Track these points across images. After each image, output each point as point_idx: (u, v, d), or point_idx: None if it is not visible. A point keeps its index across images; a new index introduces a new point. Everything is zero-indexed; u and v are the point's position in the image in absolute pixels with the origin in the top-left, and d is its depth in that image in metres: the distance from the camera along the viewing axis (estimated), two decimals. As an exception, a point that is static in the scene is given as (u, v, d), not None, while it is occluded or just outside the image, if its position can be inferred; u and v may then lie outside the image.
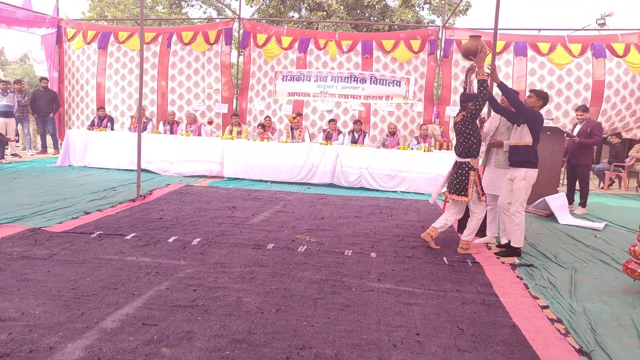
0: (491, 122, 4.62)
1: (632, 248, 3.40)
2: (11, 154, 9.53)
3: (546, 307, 3.06)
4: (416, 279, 3.47)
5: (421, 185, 7.71)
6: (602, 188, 9.45)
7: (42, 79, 10.47)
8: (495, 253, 4.24)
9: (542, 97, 4.17)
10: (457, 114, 4.32)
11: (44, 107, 10.11)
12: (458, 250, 4.24)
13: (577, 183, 6.75)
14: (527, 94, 4.17)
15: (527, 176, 4.05)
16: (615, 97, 8.91)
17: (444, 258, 4.04)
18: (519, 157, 4.09)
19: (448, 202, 4.55)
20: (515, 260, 4.12)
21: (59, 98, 10.54)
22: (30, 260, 3.44)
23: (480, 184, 4.20)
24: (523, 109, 4.01)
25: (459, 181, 4.17)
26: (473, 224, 4.24)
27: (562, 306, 3.08)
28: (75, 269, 3.31)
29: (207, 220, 5.00)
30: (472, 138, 4.13)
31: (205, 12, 21.93)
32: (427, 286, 3.34)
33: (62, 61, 10.88)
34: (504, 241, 4.45)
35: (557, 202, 5.75)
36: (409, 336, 2.54)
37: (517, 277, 3.65)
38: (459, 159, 4.21)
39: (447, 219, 4.34)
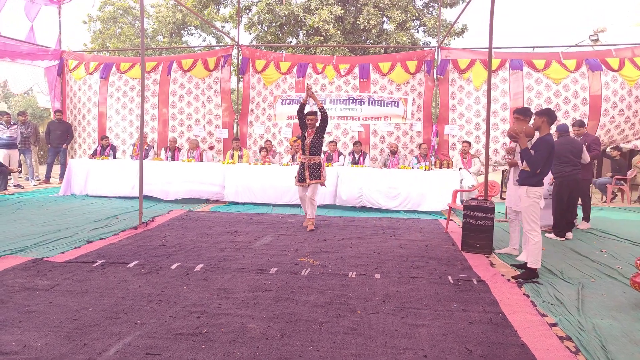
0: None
1: (638, 261, 3.37)
2: (14, 185, 9.58)
3: (555, 324, 3.02)
4: (422, 300, 3.43)
5: (423, 204, 7.70)
6: (605, 202, 9.42)
7: (57, 111, 10.71)
8: (513, 277, 4.07)
9: (545, 114, 4.22)
10: (312, 127, 6.01)
11: (57, 139, 10.42)
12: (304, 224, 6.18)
13: (579, 198, 6.73)
14: (532, 119, 4.38)
15: (529, 193, 4.08)
16: (613, 110, 8.97)
17: (449, 277, 4.01)
18: (522, 176, 4.19)
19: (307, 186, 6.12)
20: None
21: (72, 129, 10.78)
22: (33, 292, 3.42)
23: (298, 173, 6.17)
24: (543, 159, 4.07)
25: (317, 171, 6.05)
26: (315, 205, 6.14)
27: (570, 323, 3.03)
28: (78, 299, 3.28)
29: (209, 246, 4.99)
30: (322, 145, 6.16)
31: (204, 40, 22.33)
32: (433, 306, 3.30)
33: (64, 92, 11.06)
34: (523, 257, 4.61)
35: None
36: (416, 358, 2.50)
37: (524, 294, 3.61)
38: (317, 158, 6.06)
39: (315, 205, 6.11)
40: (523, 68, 9.24)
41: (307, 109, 6.16)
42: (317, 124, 6.03)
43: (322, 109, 5.92)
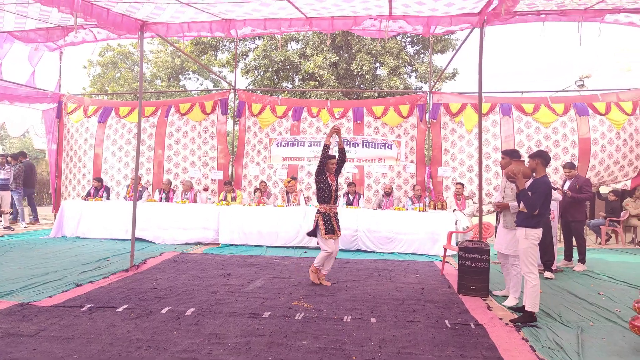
0: (501, 184, 4.98)
1: (636, 304, 3.33)
2: (4, 227, 9.46)
3: (555, 370, 2.94)
4: (418, 345, 3.35)
5: (418, 245, 7.66)
6: (600, 243, 9.41)
7: (17, 155, 10.88)
8: (510, 320, 3.99)
9: (538, 156, 4.31)
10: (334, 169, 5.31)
11: (25, 180, 10.53)
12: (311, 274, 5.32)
13: (574, 239, 6.73)
14: (527, 160, 4.40)
15: (528, 235, 4.06)
16: (602, 152, 9.15)
17: (446, 321, 3.93)
18: (520, 218, 4.20)
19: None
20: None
21: (35, 168, 11.00)
22: (16, 338, 3.30)
23: (324, 224, 5.21)
24: (541, 200, 4.09)
25: (338, 220, 5.40)
26: (322, 255, 5.22)
27: (571, 369, 2.96)
28: (63, 345, 3.17)
29: (201, 289, 4.88)
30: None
31: (202, 84, 22.85)
32: (430, 352, 3.21)
33: (60, 134, 11.15)
34: (511, 302, 4.57)
35: None
36: (414, 408, 2.41)
37: (523, 338, 3.53)
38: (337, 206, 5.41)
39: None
40: (512, 112, 9.49)
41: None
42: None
43: (342, 150, 5.37)
